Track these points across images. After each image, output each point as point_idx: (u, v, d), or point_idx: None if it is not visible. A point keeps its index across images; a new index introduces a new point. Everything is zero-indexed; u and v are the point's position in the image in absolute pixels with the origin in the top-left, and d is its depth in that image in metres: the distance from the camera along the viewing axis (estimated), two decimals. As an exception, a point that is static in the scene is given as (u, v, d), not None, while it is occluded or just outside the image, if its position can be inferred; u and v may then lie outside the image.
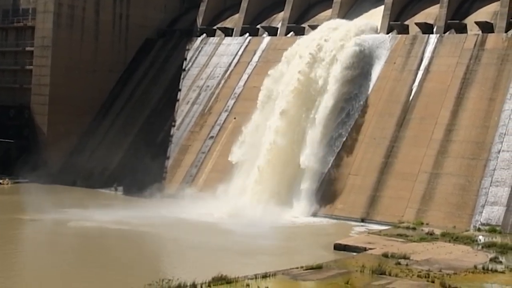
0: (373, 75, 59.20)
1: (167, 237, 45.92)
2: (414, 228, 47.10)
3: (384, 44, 60.64)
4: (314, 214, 53.68)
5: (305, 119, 58.28)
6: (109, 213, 51.04)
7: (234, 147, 60.50)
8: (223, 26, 74.83)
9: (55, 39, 71.31)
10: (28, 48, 74.06)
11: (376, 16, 64.70)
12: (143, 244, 43.70)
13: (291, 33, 68.96)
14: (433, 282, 32.51)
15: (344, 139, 56.80)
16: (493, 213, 48.05)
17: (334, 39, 60.46)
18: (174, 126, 68.83)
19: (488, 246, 41.60)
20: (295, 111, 58.30)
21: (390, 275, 33.49)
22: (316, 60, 59.49)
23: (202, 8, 76.93)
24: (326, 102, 57.76)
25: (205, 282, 30.79)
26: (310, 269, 34.48)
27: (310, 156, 56.26)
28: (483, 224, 47.52)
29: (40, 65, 71.72)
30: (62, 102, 71.13)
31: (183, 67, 73.51)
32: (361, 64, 59.54)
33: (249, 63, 68.92)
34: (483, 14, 60.07)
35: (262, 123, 59.46)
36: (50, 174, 66.99)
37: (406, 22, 62.73)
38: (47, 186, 63.74)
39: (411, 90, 57.16)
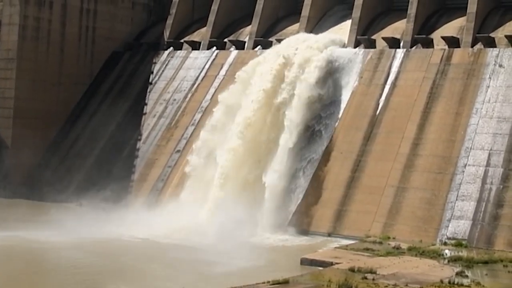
0: (342, 90, 59.12)
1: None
2: (380, 243, 46.97)
3: (354, 59, 60.59)
4: (279, 229, 53.09)
5: (271, 131, 57.83)
6: (60, 231, 49.49)
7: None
8: (190, 39, 74.52)
9: (20, 51, 70.48)
10: (-8, 61, 73.24)
11: (343, 30, 64.77)
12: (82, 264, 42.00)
13: (259, 47, 68.86)
14: (399, 296, 32.46)
15: (314, 154, 56.59)
16: (459, 227, 48.10)
17: (301, 53, 60.22)
18: (140, 140, 68.29)
19: (454, 260, 41.56)
20: (259, 122, 57.85)
21: (356, 289, 33.32)
22: (281, 74, 59.18)
23: (169, 21, 76.57)
24: (293, 120, 57.22)
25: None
26: (277, 283, 34.10)
27: (275, 171, 55.84)
28: (449, 238, 47.56)
29: (4, 78, 70.82)
30: (27, 116, 70.33)
31: (150, 80, 73.06)
32: (329, 78, 59.44)
33: (216, 77, 68.64)
34: (450, 29, 60.37)
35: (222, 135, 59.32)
36: (14, 188, 66.13)
37: (373, 37, 62.82)
38: (8, 200, 62.84)
39: (378, 104, 57.23)
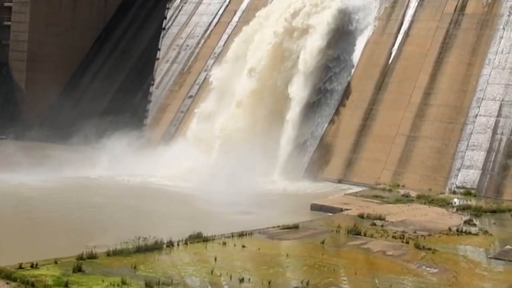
0: (356, 39, 59.04)
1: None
2: (390, 190, 47.49)
3: (368, 7, 60.32)
4: (290, 176, 53.53)
5: (282, 83, 57.92)
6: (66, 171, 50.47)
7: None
8: (203, -15, 74.31)
9: (34, -5, 70.75)
10: (6, 4, 73.23)
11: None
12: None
13: (272, -7, 68.58)
14: (407, 243, 32.82)
15: (327, 104, 56.82)
16: (468, 176, 48.51)
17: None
18: (153, 85, 68.69)
19: (462, 208, 42.04)
20: (270, 73, 57.92)
21: (365, 235, 33.81)
22: (293, 21, 59.02)
23: (183, -34, 76.30)
24: (305, 68, 57.24)
25: (182, 240, 30.90)
26: (287, 228, 34.67)
27: (288, 120, 56.12)
28: (458, 187, 48.00)
29: (18, 21, 71.10)
30: (41, 59, 70.72)
31: (163, 26, 73.13)
32: (342, 27, 59.29)
33: (229, 23, 68.68)
34: (464, -22, 60.02)
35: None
36: (28, 131, 66.69)
37: (387, -15, 62.45)
38: (22, 143, 63.35)
39: (391, 53, 57.23)
